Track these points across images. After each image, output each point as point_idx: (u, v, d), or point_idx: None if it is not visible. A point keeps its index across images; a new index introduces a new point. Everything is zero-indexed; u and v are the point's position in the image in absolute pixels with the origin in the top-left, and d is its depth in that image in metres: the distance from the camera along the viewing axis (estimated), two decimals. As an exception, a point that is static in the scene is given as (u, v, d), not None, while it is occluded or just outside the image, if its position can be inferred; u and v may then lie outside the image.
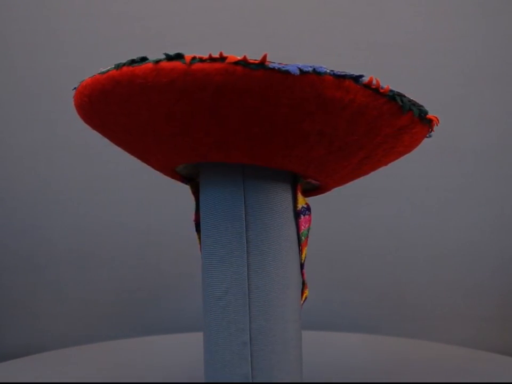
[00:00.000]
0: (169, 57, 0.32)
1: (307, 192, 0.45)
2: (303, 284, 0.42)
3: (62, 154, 0.76)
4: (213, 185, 0.39)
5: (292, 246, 0.39)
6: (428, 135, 0.38)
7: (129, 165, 0.75)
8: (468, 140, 0.75)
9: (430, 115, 0.35)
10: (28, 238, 0.76)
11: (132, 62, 0.33)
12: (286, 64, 0.31)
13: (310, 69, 0.31)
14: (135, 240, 0.76)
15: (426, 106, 0.35)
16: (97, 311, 0.76)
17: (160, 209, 0.76)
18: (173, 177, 0.45)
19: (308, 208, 0.41)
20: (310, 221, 0.41)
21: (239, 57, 0.31)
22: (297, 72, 0.30)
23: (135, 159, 0.78)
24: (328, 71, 0.31)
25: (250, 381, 0.39)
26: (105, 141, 0.76)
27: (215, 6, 0.75)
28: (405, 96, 0.33)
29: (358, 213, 0.76)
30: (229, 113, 0.33)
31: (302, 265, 0.41)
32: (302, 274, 0.41)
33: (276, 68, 0.30)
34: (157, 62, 0.32)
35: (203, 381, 0.42)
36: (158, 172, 0.76)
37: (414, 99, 0.35)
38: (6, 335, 0.76)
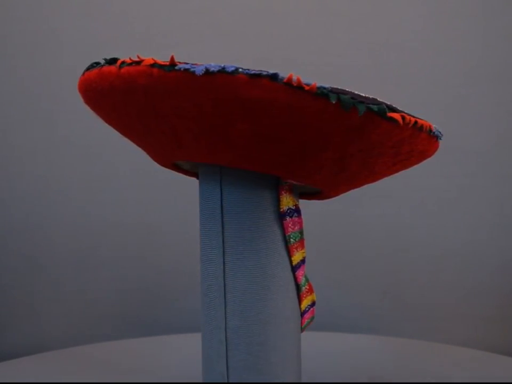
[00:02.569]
0: (107, 62, 0.34)
1: (311, 196, 0.44)
2: (299, 287, 0.41)
3: (62, 154, 0.76)
4: (201, 184, 0.40)
5: (275, 248, 0.39)
6: (430, 134, 0.36)
7: (129, 164, 0.76)
8: (467, 140, 0.75)
9: (393, 113, 0.32)
10: (27, 238, 0.76)
11: (90, 67, 0.35)
12: (198, 64, 0.31)
13: (216, 69, 0.30)
14: (135, 240, 0.76)
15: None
16: (97, 311, 0.76)
17: (161, 209, 0.76)
18: (185, 174, 0.46)
19: (297, 210, 0.40)
20: (300, 223, 0.40)
21: (153, 60, 0.32)
22: (201, 72, 0.30)
23: (135, 158, 0.78)
24: (241, 70, 0.31)
25: (226, 379, 0.39)
26: (105, 140, 0.76)
27: (215, 6, 0.75)
28: (346, 94, 0.32)
29: (358, 213, 0.76)
30: (166, 113, 0.34)
31: (294, 268, 0.40)
32: (296, 277, 0.40)
33: (183, 68, 0.31)
34: (101, 66, 0.34)
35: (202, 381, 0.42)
36: (157, 172, 0.77)
37: (374, 97, 0.33)
38: (6, 335, 0.76)
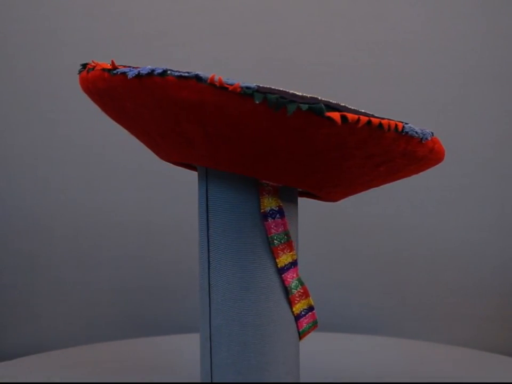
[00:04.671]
0: (82, 67, 0.37)
1: (313, 196, 0.44)
2: (287, 290, 0.40)
3: (62, 154, 0.76)
4: (198, 183, 0.42)
5: (256, 249, 0.39)
6: (402, 133, 0.34)
7: (129, 164, 0.76)
8: (467, 140, 0.75)
9: (332, 112, 0.31)
10: (28, 237, 0.76)
11: (78, 71, 0.38)
12: (135, 68, 0.33)
13: (146, 71, 0.32)
14: (135, 240, 0.76)
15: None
16: (97, 311, 0.76)
17: (160, 209, 0.76)
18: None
19: (280, 212, 0.39)
20: (284, 224, 0.39)
21: (98, 63, 0.35)
22: (133, 75, 0.32)
23: (135, 158, 0.79)
24: (169, 71, 0.31)
25: (210, 378, 0.40)
26: (105, 140, 0.76)
27: (215, 6, 0.75)
28: (275, 93, 0.31)
29: (358, 213, 0.76)
30: (132, 114, 0.36)
31: (280, 270, 0.40)
32: (284, 280, 0.40)
33: (119, 72, 0.33)
34: (80, 71, 0.37)
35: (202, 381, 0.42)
36: (157, 172, 0.77)
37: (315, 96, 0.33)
38: (6, 335, 0.76)
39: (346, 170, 0.37)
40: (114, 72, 0.33)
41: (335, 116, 0.31)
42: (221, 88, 0.31)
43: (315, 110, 0.31)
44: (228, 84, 0.31)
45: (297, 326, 0.41)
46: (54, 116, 0.75)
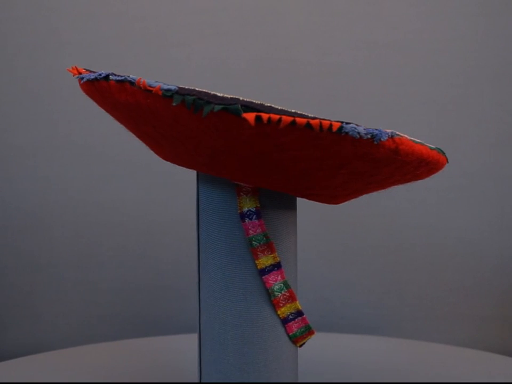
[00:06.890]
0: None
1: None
2: (269, 292, 0.39)
3: (62, 154, 0.76)
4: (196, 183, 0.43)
5: (235, 249, 0.39)
6: (341, 133, 0.31)
7: (129, 164, 0.76)
8: (467, 140, 0.75)
9: (250, 113, 0.30)
10: (28, 237, 0.76)
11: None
12: (94, 72, 0.34)
13: (92, 77, 0.33)
14: (135, 239, 0.76)
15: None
16: (97, 311, 0.76)
17: (160, 209, 0.76)
18: None
19: (256, 213, 0.39)
20: (261, 226, 0.39)
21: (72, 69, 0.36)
22: (84, 80, 0.34)
23: (136, 158, 0.78)
24: (111, 76, 0.32)
25: (199, 374, 0.41)
26: (106, 139, 0.76)
27: (215, 6, 0.75)
28: (194, 94, 0.31)
29: (357, 212, 0.76)
30: (114, 117, 0.38)
31: (261, 272, 0.39)
32: (265, 281, 0.39)
33: (78, 78, 0.35)
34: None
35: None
36: (158, 172, 0.77)
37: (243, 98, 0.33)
38: (6, 335, 0.76)
39: (306, 173, 0.36)
40: (75, 77, 0.35)
41: (250, 116, 0.30)
42: (148, 91, 0.31)
43: (231, 111, 0.30)
44: (151, 87, 0.31)
45: (286, 330, 0.41)
46: (54, 116, 0.75)
